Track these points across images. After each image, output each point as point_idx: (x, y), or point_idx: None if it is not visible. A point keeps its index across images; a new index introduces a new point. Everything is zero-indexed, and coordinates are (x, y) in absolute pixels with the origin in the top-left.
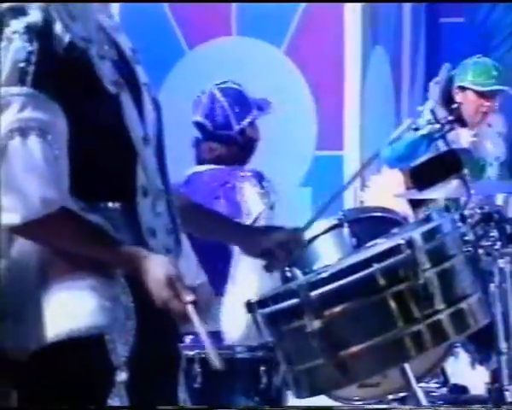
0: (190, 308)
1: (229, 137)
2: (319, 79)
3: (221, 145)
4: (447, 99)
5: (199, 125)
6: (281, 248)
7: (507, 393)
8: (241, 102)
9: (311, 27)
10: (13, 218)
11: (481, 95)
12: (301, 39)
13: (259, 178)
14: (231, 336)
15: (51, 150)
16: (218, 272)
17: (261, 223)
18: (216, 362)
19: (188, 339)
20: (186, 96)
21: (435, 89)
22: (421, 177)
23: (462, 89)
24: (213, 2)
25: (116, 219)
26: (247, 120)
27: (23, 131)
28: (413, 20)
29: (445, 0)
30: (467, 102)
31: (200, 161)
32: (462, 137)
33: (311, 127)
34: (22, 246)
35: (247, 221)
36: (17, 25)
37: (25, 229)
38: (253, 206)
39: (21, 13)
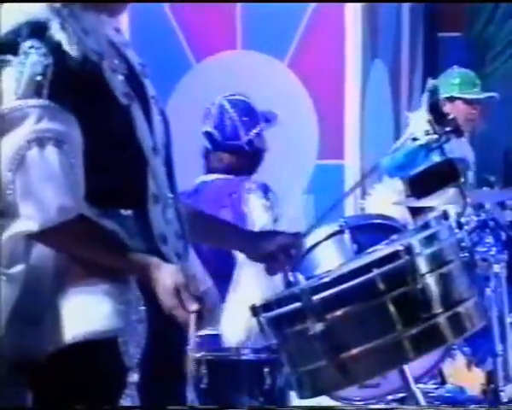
0: (192, 318)
1: (238, 148)
2: (321, 90)
3: (229, 155)
4: (435, 110)
5: (208, 136)
6: (282, 252)
7: (502, 394)
8: (250, 113)
9: (313, 42)
10: (31, 225)
11: (469, 103)
12: (303, 53)
13: (265, 190)
14: (231, 340)
15: (67, 159)
16: (221, 278)
17: None
18: None
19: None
20: (193, 108)
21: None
22: (420, 185)
23: (451, 99)
24: (219, 2)
25: (129, 225)
26: (255, 131)
27: (40, 142)
28: (411, 34)
29: (444, 0)
30: (456, 111)
31: (208, 171)
32: (453, 147)
33: (313, 137)
34: (40, 252)
35: None
36: (34, 39)
37: (42, 236)
38: (257, 218)
39: (38, 27)
